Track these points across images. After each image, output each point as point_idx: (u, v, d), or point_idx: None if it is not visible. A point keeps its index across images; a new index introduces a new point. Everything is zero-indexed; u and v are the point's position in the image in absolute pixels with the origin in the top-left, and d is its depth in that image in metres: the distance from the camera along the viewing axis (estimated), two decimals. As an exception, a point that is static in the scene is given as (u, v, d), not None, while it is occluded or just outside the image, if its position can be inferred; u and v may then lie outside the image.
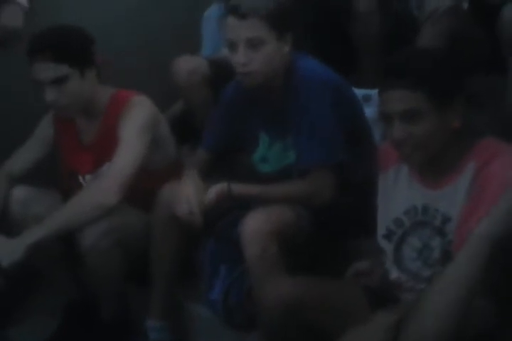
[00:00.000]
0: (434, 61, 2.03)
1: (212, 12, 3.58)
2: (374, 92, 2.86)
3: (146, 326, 2.69)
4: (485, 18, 3.02)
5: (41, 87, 2.68)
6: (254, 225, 2.37)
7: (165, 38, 3.76)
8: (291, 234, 2.44)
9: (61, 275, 2.85)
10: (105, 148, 2.74)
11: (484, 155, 1.98)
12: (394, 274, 2.13)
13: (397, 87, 1.99)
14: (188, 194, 2.54)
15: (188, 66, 3.24)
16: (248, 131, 2.68)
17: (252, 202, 2.53)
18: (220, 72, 3.17)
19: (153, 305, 2.70)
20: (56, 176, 2.92)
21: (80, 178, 2.84)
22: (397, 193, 2.15)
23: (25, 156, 2.89)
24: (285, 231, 2.41)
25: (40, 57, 2.65)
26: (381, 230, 2.17)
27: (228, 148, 2.76)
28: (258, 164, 2.70)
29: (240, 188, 2.53)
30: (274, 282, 2.20)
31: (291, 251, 2.41)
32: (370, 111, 2.77)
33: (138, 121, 2.73)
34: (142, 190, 2.67)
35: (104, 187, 2.63)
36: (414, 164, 2.09)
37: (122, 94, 2.81)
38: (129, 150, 2.68)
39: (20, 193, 2.78)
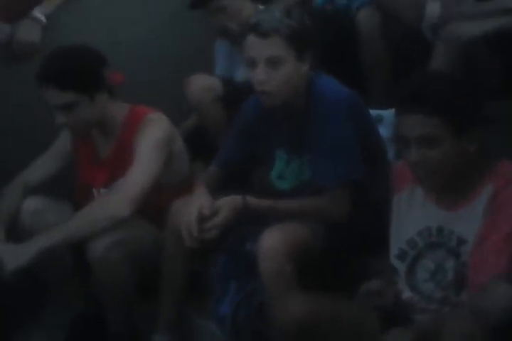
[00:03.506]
0: (452, 87, 2.04)
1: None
2: (386, 113, 2.89)
3: (152, 340, 2.69)
4: (500, 43, 3.02)
5: (52, 109, 2.69)
6: (271, 242, 2.37)
7: (182, 54, 3.77)
8: (306, 251, 2.43)
9: (70, 287, 2.85)
10: (121, 163, 2.75)
11: (502, 178, 2.00)
12: (406, 294, 2.13)
13: (414, 111, 2.00)
14: (190, 216, 2.50)
15: (201, 84, 3.26)
16: (265, 147, 2.68)
17: (267, 217, 2.52)
18: (233, 91, 3.20)
19: (161, 319, 2.70)
20: (71, 189, 2.94)
21: (95, 192, 2.84)
22: (411, 213, 2.16)
23: (42, 168, 2.91)
24: (300, 249, 2.41)
25: (46, 85, 2.66)
26: (394, 250, 2.18)
27: (241, 165, 2.76)
28: (275, 181, 2.69)
29: (255, 201, 2.50)
30: (288, 299, 2.21)
31: (305, 267, 2.41)
32: (382, 132, 2.78)
33: (154, 138, 2.74)
34: (155, 205, 2.68)
35: (116, 199, 2.64)
36: (430, 187, 2.10)
37: (138, 111, 2.82)
38: (144, 166, 2.69)
39: (32, 204, 2.80)
